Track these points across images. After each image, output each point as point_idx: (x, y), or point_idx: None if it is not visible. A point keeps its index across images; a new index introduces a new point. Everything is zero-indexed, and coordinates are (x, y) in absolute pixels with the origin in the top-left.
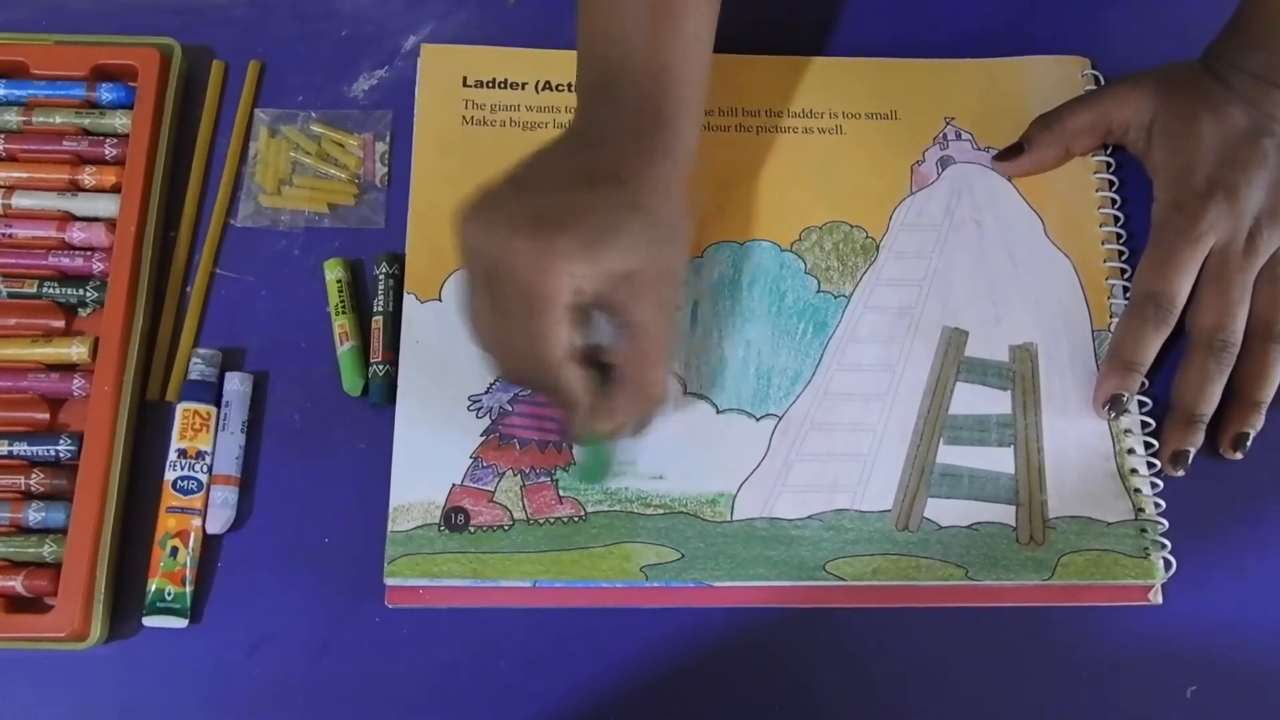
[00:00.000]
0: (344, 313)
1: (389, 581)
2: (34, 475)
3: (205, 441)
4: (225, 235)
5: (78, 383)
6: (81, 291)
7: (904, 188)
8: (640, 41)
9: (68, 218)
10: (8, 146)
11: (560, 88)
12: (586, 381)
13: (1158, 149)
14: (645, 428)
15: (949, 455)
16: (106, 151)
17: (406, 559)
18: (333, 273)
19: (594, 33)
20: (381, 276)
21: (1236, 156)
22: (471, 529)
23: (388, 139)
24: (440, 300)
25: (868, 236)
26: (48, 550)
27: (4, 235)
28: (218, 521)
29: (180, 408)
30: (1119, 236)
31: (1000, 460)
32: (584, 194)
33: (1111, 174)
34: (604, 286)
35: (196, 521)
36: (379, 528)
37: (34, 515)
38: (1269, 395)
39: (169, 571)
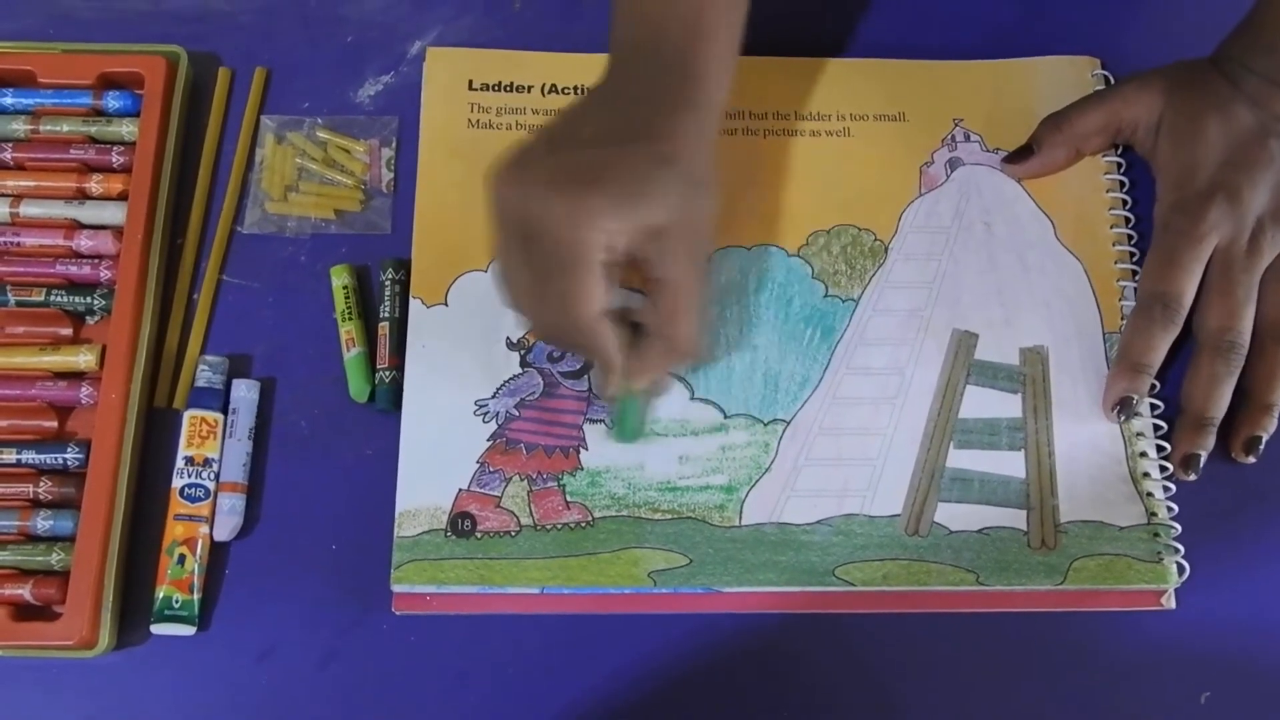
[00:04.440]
0: (350, 319)
1: (396, 588)
2: (42, 483)
3: (212, 448)
4: (232, 242)
5: (85, 390)
6: (89, 299)
7: (913, 189)
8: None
9: (75, 226)
10: (15, 155)
11: (566, 90)
12: (620, 339)
13: (1163, 149)
14: (672, 383)
15: (959, 459)
16: (113, 159)
17: (413, 565)
18: (339, 279)
19: None
20: (387, 282)
21: (1241, 157)
22: (478, 535)
23: (394, 144)
24: (446, 305)
25: (876, 239)
26: (56, 558)
27: (12, 244)
28: (225, 529)
29: (187, 415)
30: (1130, 238)
31: (1011, 464)
32: (616, 150)
33: (1122, 175)
34: (635, 242)
35: (204, 529)
36: (386, 534)
37: (42, 523)
38: None
39: (177, 579)
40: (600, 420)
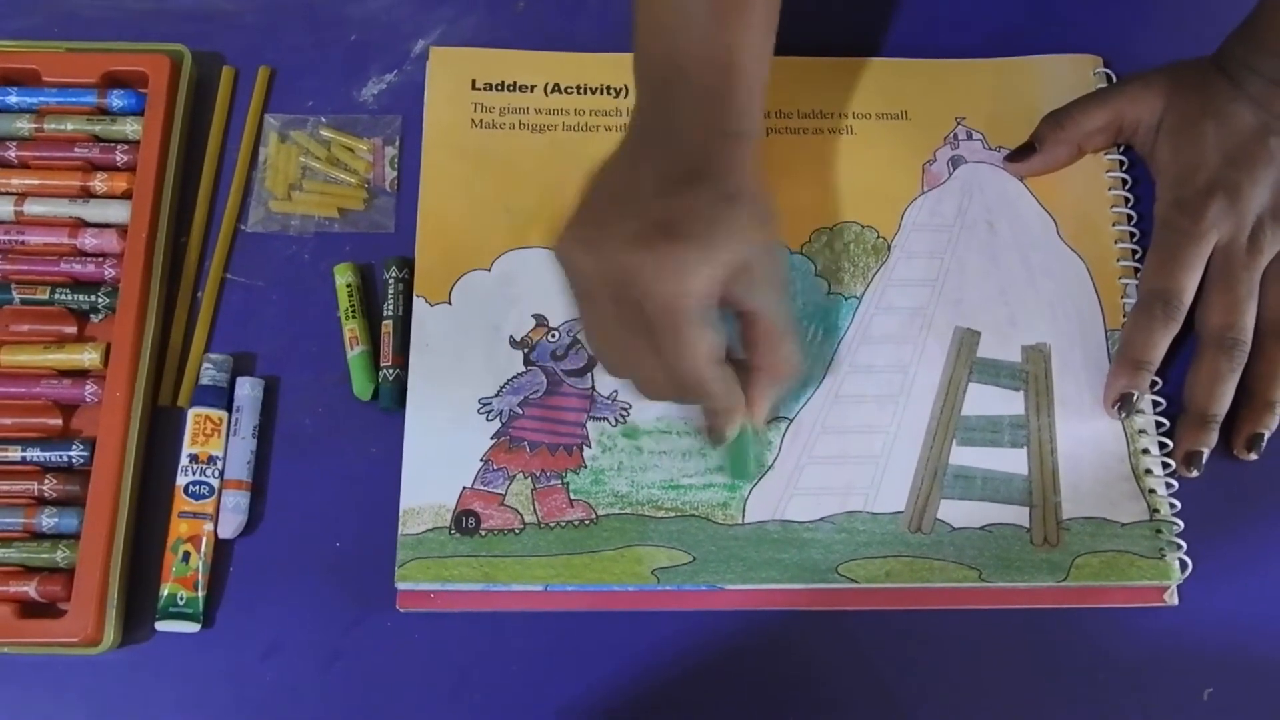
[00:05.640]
0: (354, 317)
1: (400, 585)
2: (47, 481)
3: (217, 446)
4: (236, 240)
5: (90, 388)
6: (93, 297)
7: (915, 187)
8: (706, 31)
9: (79, 224)
10: (20, 154)
11: (569, 90)
12: (730, 381)
13: (1162, 149)
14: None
15: (962, 456)
16: (118, 158)
17: (417, 562)
18: (343, 277)
19: (655, 27)
20: (391, 280)
21: (1242, 156)
22: (482, 532)
23: (397, 143)
24: (450, 303)
25: (879, 236)
26: (61, 555)
27: (17, 242)
28: (229, 526)
29: (192, 413)
30: (1133, 236)
31: (1013, 461)
32: (682, 195)
33: (1125, 173)
34: (723, 283)
35: (208, 526)
36: (390, 532)
37: (47, 521)
38: None
39: (181, 576)
40: (604, 418)
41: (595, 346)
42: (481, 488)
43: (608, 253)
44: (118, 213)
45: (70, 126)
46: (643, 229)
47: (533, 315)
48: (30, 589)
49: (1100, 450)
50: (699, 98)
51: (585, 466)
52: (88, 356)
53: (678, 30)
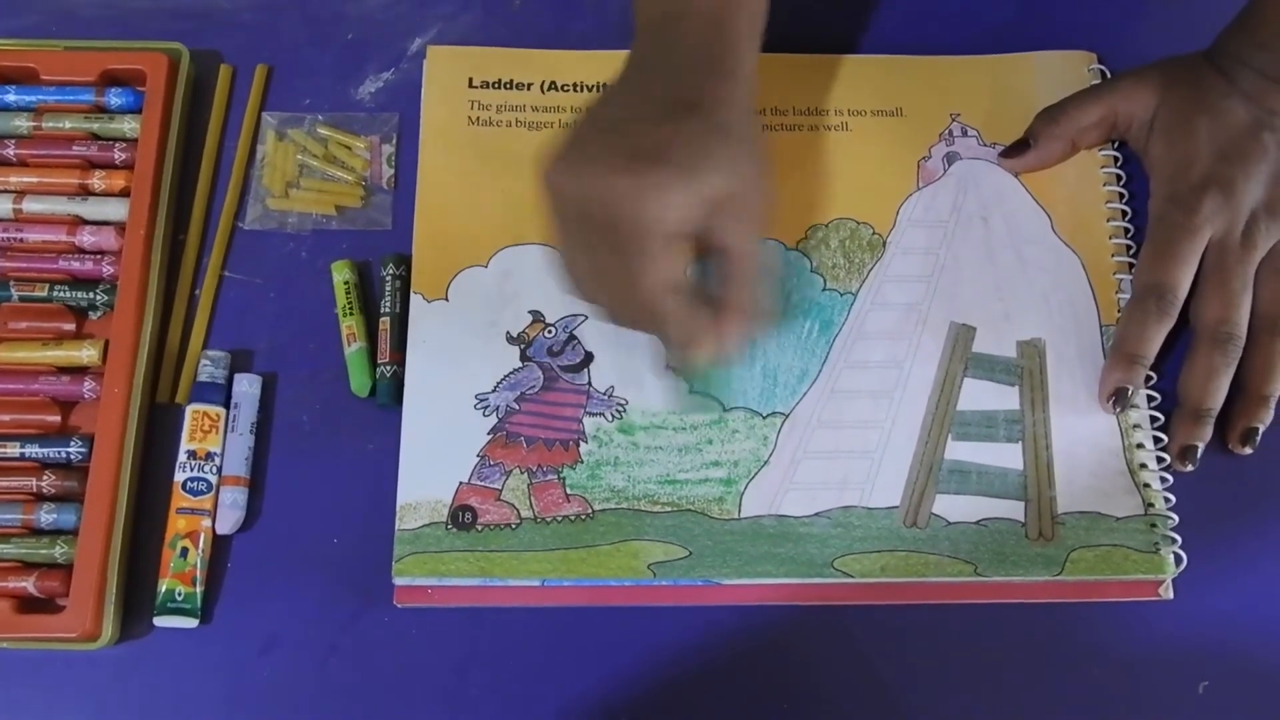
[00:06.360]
0: (351, 314)
1: (397, 580)
2: (45, 477)
3: (215, 443)
4: (233, 238)
5: (89, 385)
6: (92, 295)
7: (910, 184)
8: None
9: (78, 221)
10: (18, 152)
11: (565, 88)
12: (694, 312)
13: (1156, 145)
14: (748, 349)
15: (957, 451)
16: (116, 156)
17: (414, 557)
18: (340, 274)
19: None
20: (388, 277)
21: (1235, 150)
22: (479, 527)
23: (394, 141)
24: (447, 300)
25: (875, 233)
26: (59, 551)
27: (15, 239)
28: (227, 522)
29: (190, 409)
30: (1127, 231)
31: (1009, 456)
32: (669, 124)
33: (1119, 168)
34: (700, 214)
35: (206, 522)
36: (387, 528)
37: (46, 517)
38: (1277, 389)
39: (179, 572)
40: (600, 414)
41: (567, 271)
42: (478, 483)
43: (590, 176)
44: (116, 210)
45: (68, 124)
46: (627, 154)
47: (529, 311)
48: (29, 584)
49: (1095, 445)
50: (695, 34)
51: (581, 462)
52: (86, 353)
53: None
